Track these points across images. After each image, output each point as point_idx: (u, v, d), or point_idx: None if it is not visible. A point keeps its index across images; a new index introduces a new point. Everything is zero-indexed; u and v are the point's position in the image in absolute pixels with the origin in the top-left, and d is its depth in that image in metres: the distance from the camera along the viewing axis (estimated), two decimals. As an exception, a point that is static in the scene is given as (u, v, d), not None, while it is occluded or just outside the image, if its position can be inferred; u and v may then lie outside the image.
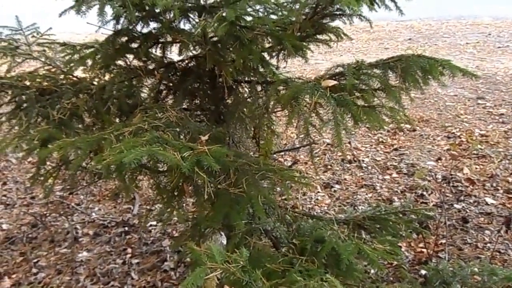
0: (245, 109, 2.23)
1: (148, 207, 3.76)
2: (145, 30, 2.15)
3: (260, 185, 1.69)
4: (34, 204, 3.88)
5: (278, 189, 2.13)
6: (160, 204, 3.73)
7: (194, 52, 2.29)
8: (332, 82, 1.66)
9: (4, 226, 3.58)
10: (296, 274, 1.48)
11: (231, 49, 1.92)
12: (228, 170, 1.70)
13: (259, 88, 2.26)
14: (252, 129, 2.27)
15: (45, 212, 3.73)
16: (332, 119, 1.56)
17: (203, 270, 1.13)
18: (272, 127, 2.25)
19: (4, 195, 4.03)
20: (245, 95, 2.30)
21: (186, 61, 2.35)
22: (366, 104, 1.81)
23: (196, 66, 2.32)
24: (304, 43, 1.87)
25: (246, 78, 2.27)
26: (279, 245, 1.79)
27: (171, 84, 2.29)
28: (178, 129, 1.83)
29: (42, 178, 2.35)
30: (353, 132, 4.85)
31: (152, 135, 1.59)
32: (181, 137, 1.78)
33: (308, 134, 2.01)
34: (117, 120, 2.22)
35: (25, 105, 2.30)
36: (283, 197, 2.71)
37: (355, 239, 1.66)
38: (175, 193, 1.75)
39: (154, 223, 3.56)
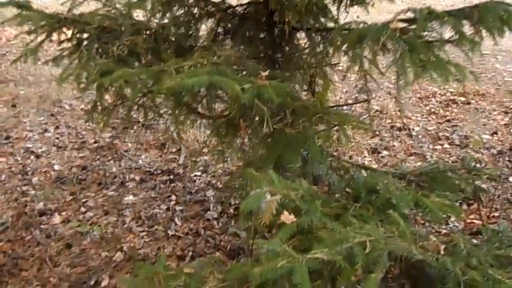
0: (302, 58, 2.17)
1: (193, 159, 3.80)
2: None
3: (317, 127, 1.65)
4: (85, 148, 4.00)
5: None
6: (205, 157, 3.78)
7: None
8: (402, 24, 1.57)
9: (56, 167, 3.72)
10: (351, 218, 1.45)
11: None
12: (285, 111, 1.67)
13: (318, 36, 2.20)
14: (308, 78, 2.21)
15: (94, 156, 3.85)
16: (399, 61, 1.48)
17: (263, 192, 1.11)
18: (328, 77, 2.18)
19: (57, 138, 4.17)
20: (303, 43, 2.24)
21: (245, 7, 2.31)
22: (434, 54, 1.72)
23: (254, 12, 2.27)
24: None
25: (305, 26, 2.21)
26: (332, 192, 1.76)
27: (229, 27, 2.25)
28: (236, 68, 1.80)
29: (98, 114, 2.38)
30: (404, 101, 4.71)
31: (212, 68, 1.57)
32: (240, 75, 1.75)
33: (366, 86, 1.96)
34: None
35: (85, 42, 2.33)
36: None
37: (412, 190, 1.60)
38: (230, 129, 1.73)
39: (199, 173, 3.60)
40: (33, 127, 4.34)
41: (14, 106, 4.75)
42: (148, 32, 2.31)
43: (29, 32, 2.36)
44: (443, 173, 1.87)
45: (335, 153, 1.78)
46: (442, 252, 1.18)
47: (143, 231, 2.99)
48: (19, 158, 3.84)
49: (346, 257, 1.01)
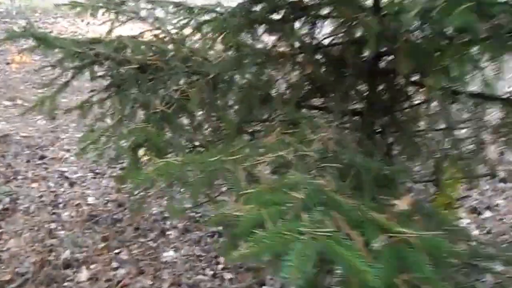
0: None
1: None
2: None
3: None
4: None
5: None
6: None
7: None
8: None
9: (90, 199, 3.23)
10: None
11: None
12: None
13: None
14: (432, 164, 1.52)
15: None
16: None
17: None
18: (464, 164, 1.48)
19: (94, 161, 3.67)
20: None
21: (340, 46, 1.64)
22: None
23: (356, 53, 1.59)
24: None
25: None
26: None
27: (317, 76, 1.58)
28: (338, 165, 1.14)
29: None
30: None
31: (310, 187, 0.92)
32: (346, 181, 1.09)
33: None
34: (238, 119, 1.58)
35: (120, 84, 1.75)
36: None
37: None
38: None
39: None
40: (71, 145, 3.88)
41: (53, 118, 4.29)
42: (204, 74, 1.69)
43: (53, 66, 1.82)
44: None
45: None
46: None
47: (183, 305, 2.43)
48: (52, 184, 3.38)
49: None
